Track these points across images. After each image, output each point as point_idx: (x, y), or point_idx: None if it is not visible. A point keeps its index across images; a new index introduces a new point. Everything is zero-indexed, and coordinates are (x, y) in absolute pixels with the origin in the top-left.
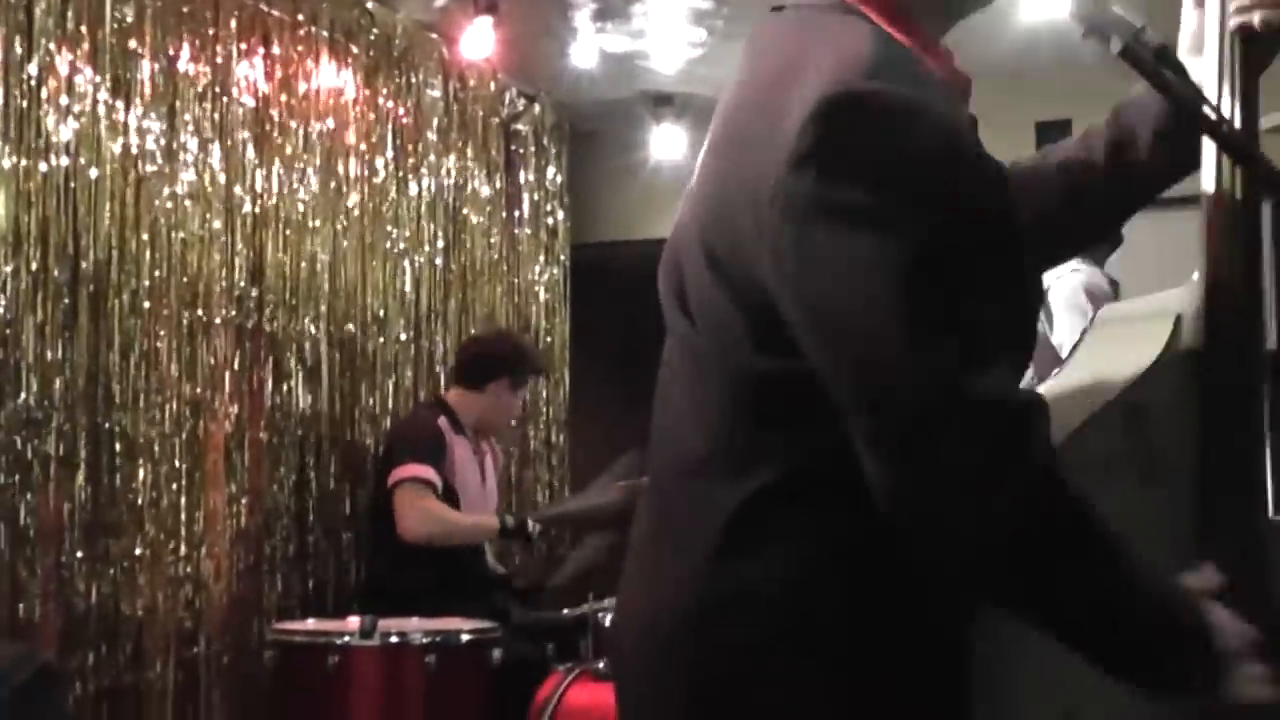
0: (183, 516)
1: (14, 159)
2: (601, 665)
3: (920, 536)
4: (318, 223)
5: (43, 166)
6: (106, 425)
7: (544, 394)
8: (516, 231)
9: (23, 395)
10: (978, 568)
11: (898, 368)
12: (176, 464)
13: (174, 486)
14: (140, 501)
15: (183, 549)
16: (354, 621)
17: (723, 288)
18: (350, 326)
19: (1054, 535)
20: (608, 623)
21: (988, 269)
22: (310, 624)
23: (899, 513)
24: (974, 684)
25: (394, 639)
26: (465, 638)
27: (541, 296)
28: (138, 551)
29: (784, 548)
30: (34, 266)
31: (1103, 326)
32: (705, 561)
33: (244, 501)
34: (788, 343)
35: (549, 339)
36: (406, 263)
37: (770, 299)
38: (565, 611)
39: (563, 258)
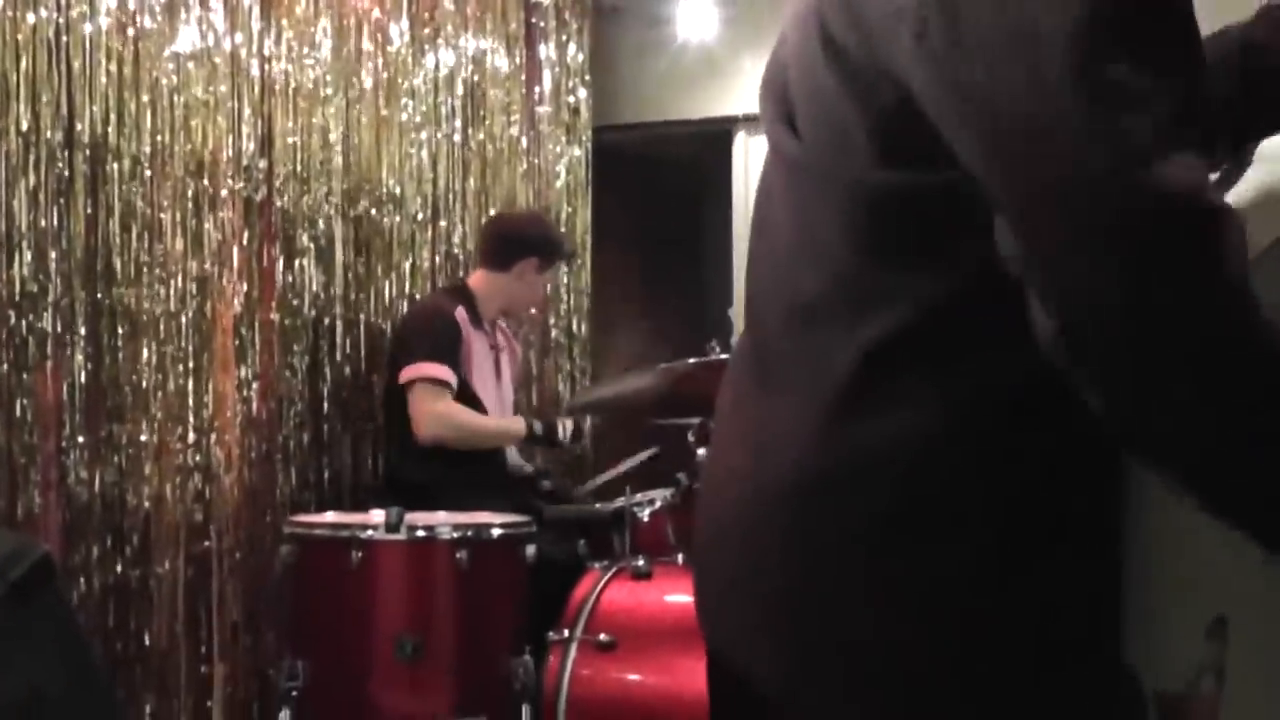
0: (190, 401)
1: None
2: (641, 563)
3: (1090, 374)
4: (329, 92)
5: (30, 18)
6: (107, 301)
7: (565, 280)
8: (537, 110)
9: (15, 266)
10: (1153, 408)
11: (1070, 157)
12: (182, 344)
13: (180, 368)
14: (145, 384)
15: (191, 436)
16: (376, 515)
17: (846, 88)
18: (364, 204)
19: (1247, 365)
20: (646, 517)
21: (1172, 53)
22: (330, 517)
23: (1066, 345)
24: (1122, 579)
25: (421, 533)
26: (497, 532)
27: (562, 178)
28: (143, 438)
29: (916, 406)
30: (24, 126)
31: (1262, 163)
32: (821, 421)
33: (254, 386)
34: (922, 151)
35: (570, 224)
36: (424, 137)
37: (905, 95)
38: (599, 506)
39: (584, 138)
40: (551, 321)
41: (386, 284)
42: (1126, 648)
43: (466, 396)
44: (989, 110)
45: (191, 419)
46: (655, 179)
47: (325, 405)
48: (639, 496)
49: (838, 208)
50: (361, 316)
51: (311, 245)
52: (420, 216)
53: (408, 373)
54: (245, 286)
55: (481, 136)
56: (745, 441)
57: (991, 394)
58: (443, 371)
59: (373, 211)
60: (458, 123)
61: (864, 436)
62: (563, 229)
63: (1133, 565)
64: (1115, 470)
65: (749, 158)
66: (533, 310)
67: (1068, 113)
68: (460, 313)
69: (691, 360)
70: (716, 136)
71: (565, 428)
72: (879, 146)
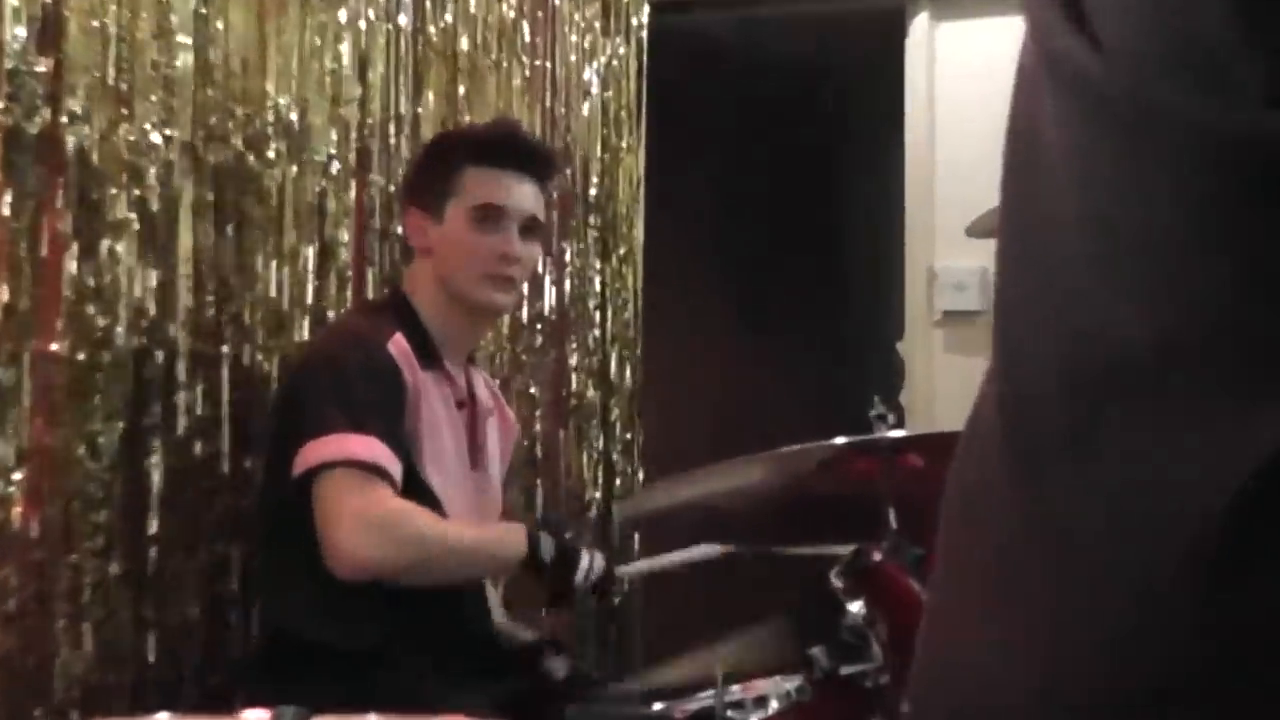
0: None
1: None
2: None
3: None
4: None
5: None
6: None
7: (595, 279)
8: None
9: None
10: None
11: None
12: None
13: None
14: None
15: None
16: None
17: None
18: (233, 143)
19: None
20: None
21: None
22: None
23: None
24: None
25: None
26: None
27: (594, 95)
28: None
29: None
30: None
31: None
32: (1176, 580)
33: (17, 478)
34: None
35: (607, 178)
36: (342, 18)
37: None
38: (660, 709)
39: (634, 24)
40: (573, 363)
41: (271, 284)
42: None
43: (416, 490)
44: None
45: None
46: (760, 99)
47: (153, 515)
48: (738, 689)
49: (1202, 187)
50: (222, 348)
51: (134, 216)
52: (336, 167)
53: (311, 452)
54: (5, 294)
55: (449, 20)
56: (1007, 599)
57: None
58: (373, 448)
59: (249, 157)
60: None
61: (1255, 607)
62: (594, 183)
63: None
64: None
65: (934, 60)
66: (504, 273)
67: None
68: (396, 343)
69: (839, 440)
70: (873, 24)
71: (592, 563)
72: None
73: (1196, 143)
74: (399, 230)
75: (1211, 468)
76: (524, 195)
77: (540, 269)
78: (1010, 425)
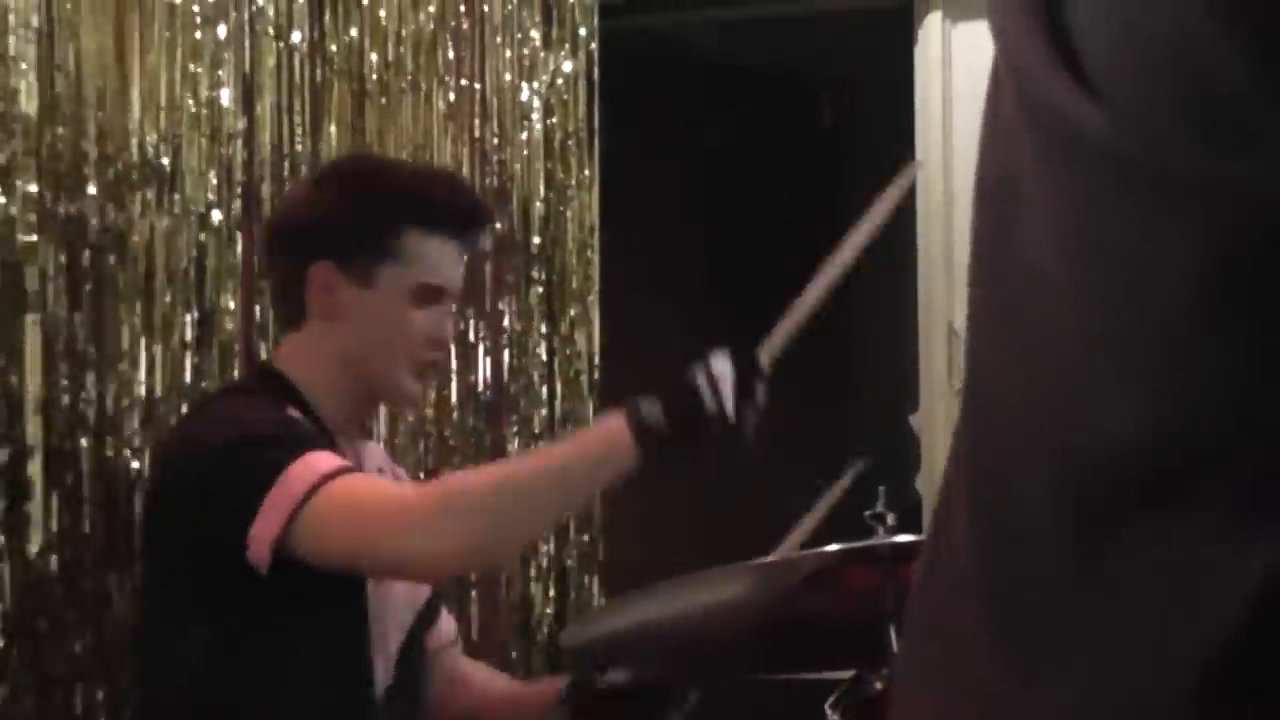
0: None
1: None
2: None
3: None
4: None
5: None
6: None
7: (540, 347)
8: None
9: None
10: None
11: None
12: None
13: None
14: None
15: None
16: None
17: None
18: (89, 190)
19: None
20: None
21: None
22: None
23: None
24: None
25: None
26: None
27: (536, 126)
28: None
29: None
30: None
31: None
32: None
33: None
34: None
35: (550, 219)
36: (221, 34)
37: None
38: None
39: (583, 34)
40: (514, 448)
41: (141, 364)
42: None
43: (332, 589)
44: None
45: None
46: (742, 119)
47: None
48: None
49: (1222, 253)
50: (84, 443)
51: None
52: (218, 218)
53: (265, 523)
54: None
55: (353, 35)
56: None
57: None
58: (330, 459)
59: (109, 208)
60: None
61: None
62: (534, 237)
63: None
64: None
65: (950, 69)
66: (429, 354)
67: None
68: (291, 414)
69: (832, 547)
70: (876, 27)
71: (711, 380)
72: None
73: (1216, 203)
74: None
75: (1222, 580)
76: (462, 272)
77: (471, 334)
78: (993, 537)
